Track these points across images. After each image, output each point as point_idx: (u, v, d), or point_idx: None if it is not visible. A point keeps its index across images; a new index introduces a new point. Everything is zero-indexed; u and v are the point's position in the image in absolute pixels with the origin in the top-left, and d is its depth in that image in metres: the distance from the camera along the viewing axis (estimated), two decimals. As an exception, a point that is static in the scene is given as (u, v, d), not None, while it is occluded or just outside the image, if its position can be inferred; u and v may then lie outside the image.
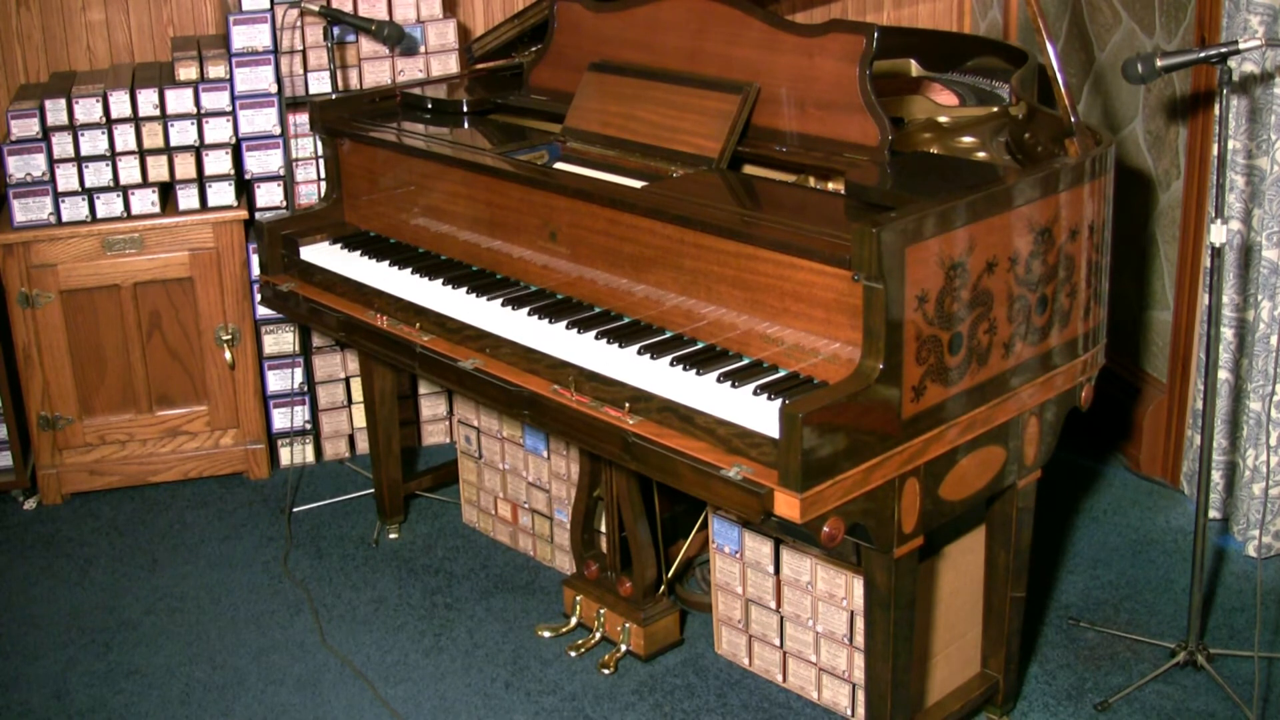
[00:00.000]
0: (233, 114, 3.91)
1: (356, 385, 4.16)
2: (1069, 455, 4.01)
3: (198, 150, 3.90)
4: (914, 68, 3.32)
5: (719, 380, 2.43)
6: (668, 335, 2.66)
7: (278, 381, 4.10)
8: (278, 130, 3.95)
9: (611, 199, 2.71)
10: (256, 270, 3.77)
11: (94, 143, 3.83)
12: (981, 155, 2.76)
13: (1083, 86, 4.21)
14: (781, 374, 2.45)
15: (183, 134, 3.89)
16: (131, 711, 3.11)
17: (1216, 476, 3.63)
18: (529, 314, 2.81)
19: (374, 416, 3.67)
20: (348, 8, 3.98)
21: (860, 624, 2.84)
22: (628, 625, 3.17)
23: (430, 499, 3.98)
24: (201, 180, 3.91)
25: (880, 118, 2.68)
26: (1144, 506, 3.79)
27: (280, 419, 4.13)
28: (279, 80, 3.92)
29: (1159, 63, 2.75)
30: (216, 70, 3.88)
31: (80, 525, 3.92)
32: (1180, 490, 3.84)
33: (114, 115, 3.83)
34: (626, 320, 2.74)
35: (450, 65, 4.11)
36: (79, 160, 3.83)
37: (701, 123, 2.88)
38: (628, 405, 2.50)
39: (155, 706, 3.12)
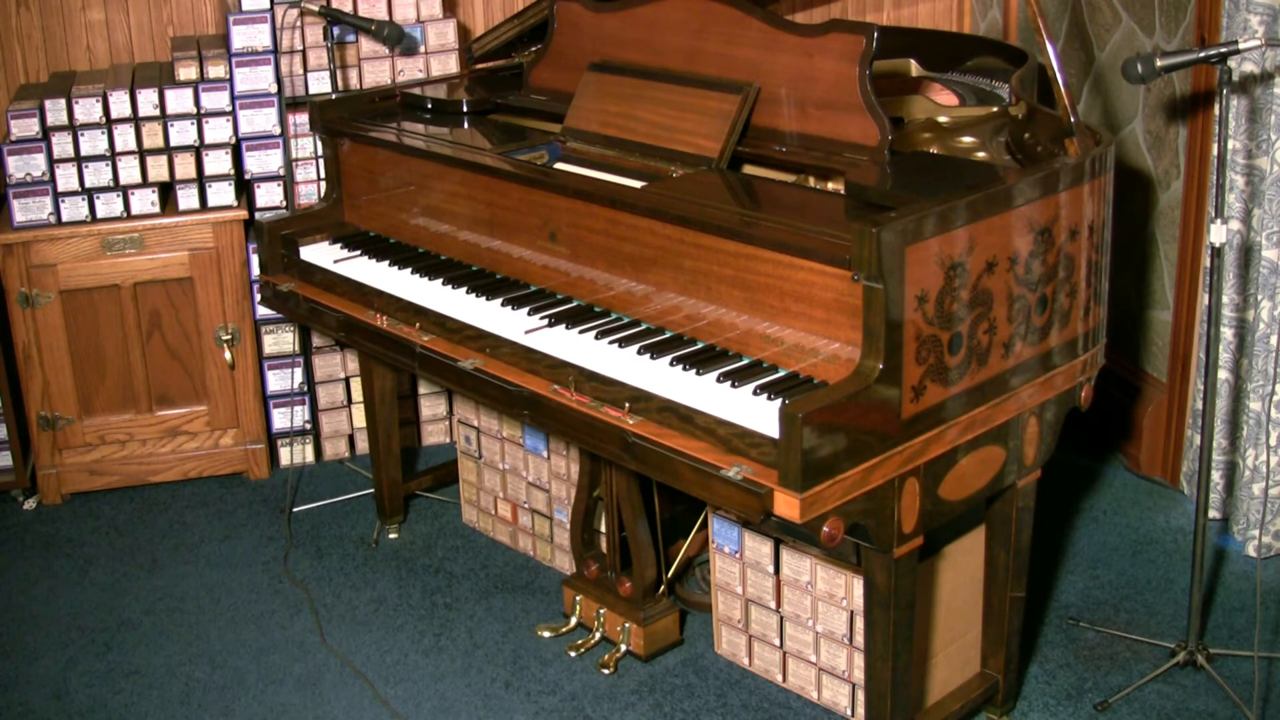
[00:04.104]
0: (233, 114, 3.91)
1: (356, 385, 4.16)
2: (1069, 455, 4.01)
3: (198, 150, 3.90)
4: (914, 68, 3.32)
5: (719, 380, 2.43)
6: (668, 335, 2.66)
7: (278, 381, 4.10)
8: (278, 130, 3.95)
9: (611, 199, 2.71)
10: (256, 270, 3.77)
11: (94, 143, 3.83)
12: (981, 155, 2.76)
13: (1083, 86, 4.21)
14: (781, 374, 2.45)
15: (183, 134, 3.89)
16: (131, 711, 3.11)
17: (1216, 476, 3.63)
18: (529, 314, 2.81)
19: (374, 416, 3.67)
20: (348, 8, 3.98)
21: (860, 624, 2.84)
22: (628, 625, 3.17)
23: (430, 499, 3.98)
24: (201, 180, 3.91)
25: (880, 118, 2.68)
26: (1144, 506, 3.79)
27: (280, 419, 4.13)
28: (279, 80, 3.92)
29: (1159, 63, 2.75)
30: (216, 70, 3.89)
31: (80, 525, 3.92)
32: (1180, 490, 3.84)
33: (114, 115, 3.83)
34: (626, 320, 2.74)
35: (450, 65, 4.11)
36: (79, 160, 3.83)
37: (701, 123, 2.88)
38: (628, 405, 2.51)
39: (155, 706, 3.12)
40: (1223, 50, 2.71)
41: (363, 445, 4.23)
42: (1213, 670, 3.02)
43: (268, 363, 4.08)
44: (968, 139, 2.81)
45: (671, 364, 2.52)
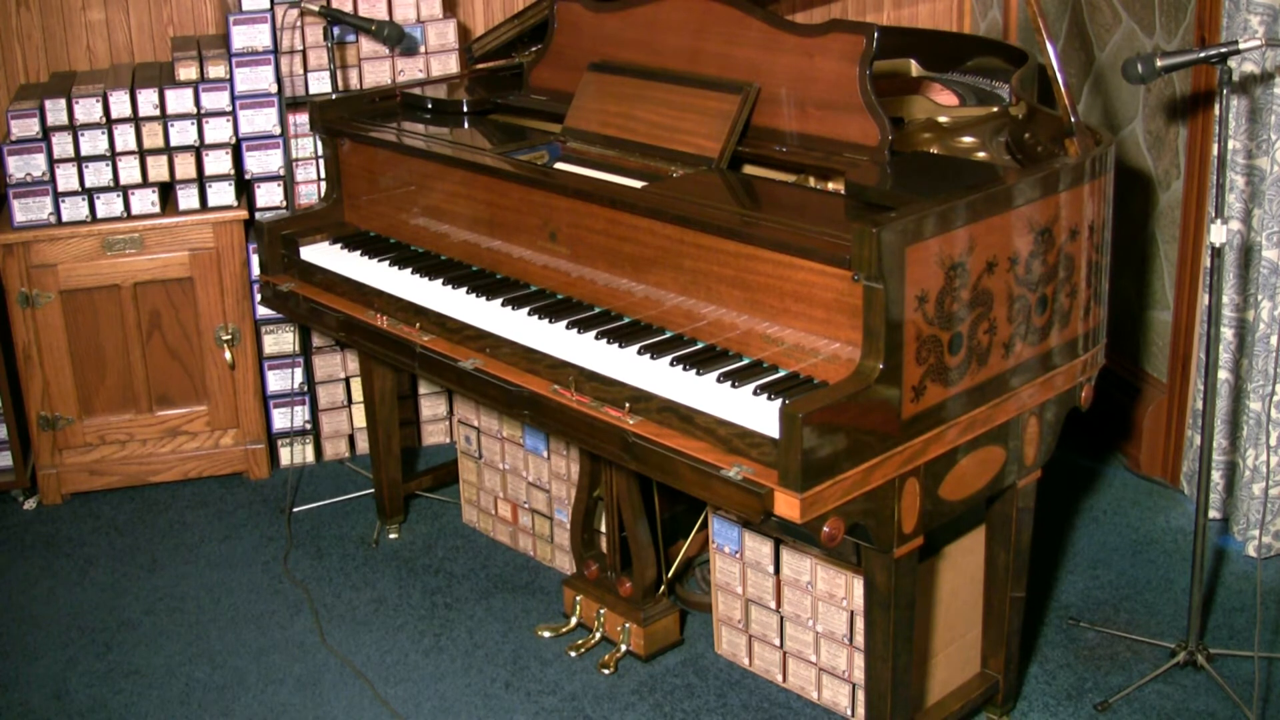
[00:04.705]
0: (233, 114, 3.91)
1: (356, 385, 4.16)
2: (1069, 455, 4.01)
3: (198, 150, 3.90)
4: (914, 68, 3.32)
5: (719, 380, 2.43)
6: (668, 335, 2.66)
7: (278, 381, 4.10)
8: (278, 130, 3.95)
9: (611, 199, 2.71)
10: (256, 270, 3.77)
11: (94, 143, 3.83)
12: (981, 155, 2.76)
13: (1083, 86, 4.21)
14: (781, 374, 2.45)
15: (183, 134, 3.89)
16: (131, 711, 3.11)
17: (1216, 476, 3.63)
18: (529, 314, 2.81)
19: (374, 416, 3.67)
20: (348, 8, 3.98)
21: (860, 624, 2.84)
22: (628, 625, 3.17)
23: (430, 499, 3.98)
24: (201, 180, 3.91)
25: (880, 118, 2.68)
26: (1144, 506, 3.79)
27: (280, 419, 4.13)
28: (279, 80, 3.92)
29: (1159, 63, 2.75)
30: (216, 70, 3.89)
31: (80, 525, 3.92)
32: (1180, 490, 3.84)
33: (114, 115, 3.83)
34: (626, 320, 2.74)
35: (450, 65, 4.11)
36: (79, 160, 3.83)
37: (701, 123, 2.88)
38: (628, 405, 2.51)
39: (155, 706, 3.12)
40: (1223, 50, 2.71)
41: (363, 445, 4.23)
42: (1213, 670, 3.02)
43: (268, 363, 4.08)
44: (968, 139, 2.81)
45: (672, 364, 2.52)
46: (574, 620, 3.29)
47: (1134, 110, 3.94)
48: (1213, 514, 3.66)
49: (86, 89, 3.84)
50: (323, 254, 3.32)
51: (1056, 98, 2.63)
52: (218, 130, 3.91)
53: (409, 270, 3.11)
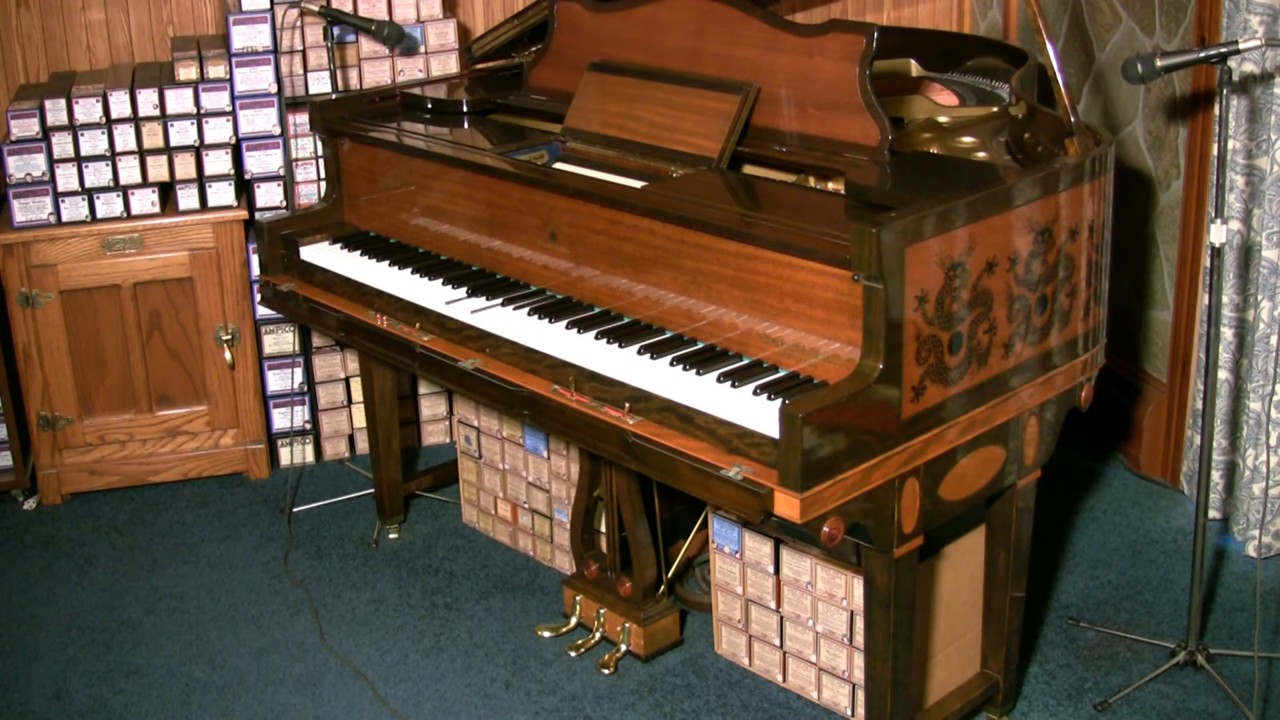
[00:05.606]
0: (233, 114, 3.91)
1: (356, 385, 4.16)
2: (1069, 455, 4.01)
3: (198, 150, 3.90)
4: (914, 68, 3.32)
5: (719, 380, 2.43)
6: (668, 335, 2.66)
7: (278, 381, 4.10)
8: (278, 130, 3.95)
9: (611, 199, 2.71)
10: (256, 270, 3.77)
11: (94, 143, 3.83)
12: (981, 155, 2.76)
13: (1083, 86, 4.21)
14: (781, 374, 2.45)
15: (183, 134, 3.89)
16: (131, 711, 3.11)
17: (1216, 476, 3.63)
18: (529, 314, 2.81)
19: (374, 416, 3.67)
20: (348, 8, 3.98)
21: (860, 624, 2.84)
22: (628, 625, 3.17)
23: (430, 499, 3.98)
24: (201, 180, 3.91)
25: (880, 118, 2.68)
26: (1144, 506, 3.79)
27: (280, 419, 4.13)
28: (279, 80, 3.92)
29: (1159, 63, 2.75)
30: (216, 70, 3.89)
31: (80, 525, 3.92)
32: (1180, 490, 3.84)
33: (114, 115, 3.83)
34: (626, 320, 2.74)
35: (450, 65, 4.11)
36: (79, 160, 3.83)
37: (701, 123, 2.88)
38: (628, 405, 2.51)
39: (155, 706, 3.12)
40: (1223, 50, 2.71)
41: (363, 445, 4.23)
42: (1213, 670, 3.02)
43: (268, 363, 4.08)
44: (968, 139, 2.81)
45: (671, 364, 2.52)
46: (574, 620, 3.29)
47: (1134, 110, 3.94)
48: (1213, 514, 3.66)
49: (86, 89, 3.84)
50: (323, 254, 3.32)
51: (1056, 98, 2.63)
52: (218, 130, 3.91)
53: (409, 270, 3.11)
